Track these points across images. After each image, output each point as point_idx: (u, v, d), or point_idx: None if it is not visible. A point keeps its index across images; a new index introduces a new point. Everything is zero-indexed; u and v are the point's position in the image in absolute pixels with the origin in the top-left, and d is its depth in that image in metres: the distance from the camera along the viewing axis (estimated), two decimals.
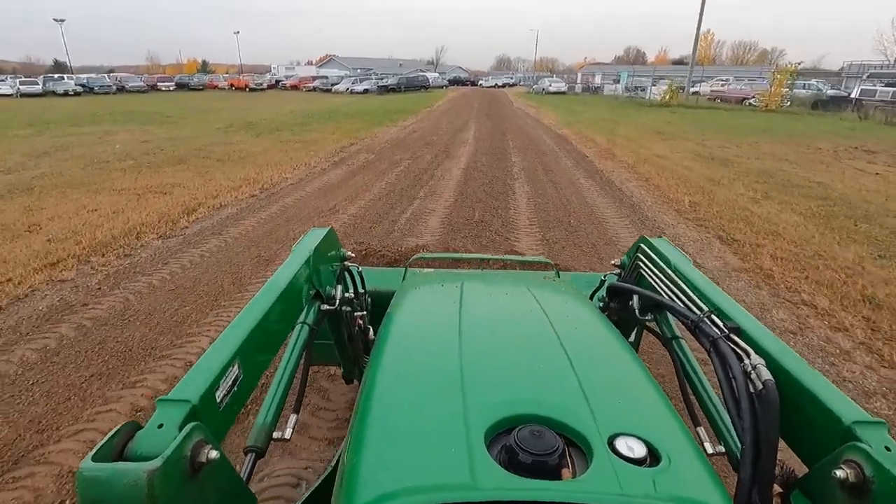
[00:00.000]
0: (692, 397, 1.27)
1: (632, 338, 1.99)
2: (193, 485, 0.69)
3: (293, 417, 1.24)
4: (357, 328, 1.89)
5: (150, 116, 19.68)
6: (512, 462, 0.69)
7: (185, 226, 5.66)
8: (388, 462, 0.72)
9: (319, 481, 1.22)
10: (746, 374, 0.88)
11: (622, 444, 0.73)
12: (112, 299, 3.85)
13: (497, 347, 1.07)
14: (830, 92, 26.46)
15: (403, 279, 1.83)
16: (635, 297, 1.50)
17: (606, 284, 1.73)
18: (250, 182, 7.73)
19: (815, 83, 29.01)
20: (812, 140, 13.40)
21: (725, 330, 1.00)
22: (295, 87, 47.87)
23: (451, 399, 0.84)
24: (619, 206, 6.72)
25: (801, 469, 0.86)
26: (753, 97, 25.82)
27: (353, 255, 1.85)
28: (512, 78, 71.82)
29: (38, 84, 38.09)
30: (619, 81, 41.02)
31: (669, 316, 1.40)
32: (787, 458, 0.87)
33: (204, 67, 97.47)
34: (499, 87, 62.44)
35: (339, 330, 1.80)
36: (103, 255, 4.70)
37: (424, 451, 0.73)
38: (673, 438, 0.78)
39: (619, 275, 1.81)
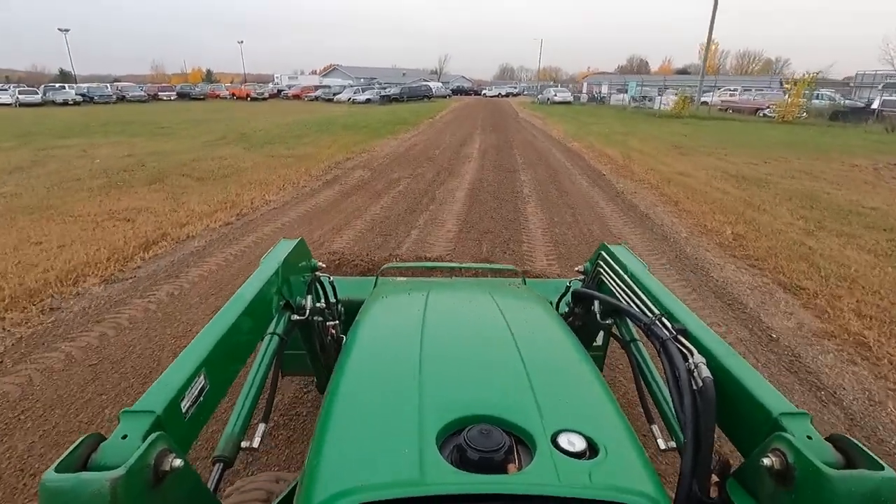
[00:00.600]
0: (648, 396, 1.33)
1: (599, 341, 2.07)
2: (157, 493, 0.70)
3: (262, 427, 1.22)
4: (329, 338, 1.87)
5: (144, 127, 19.00)
6: (462, 459, 0.74)
7: (137, 265, 4.76)
8: (344, 463, 0.76)
9: (296, 481, 1.10)
10: (690, 372, 0.94)
11: (564, 440, 0.77)
12: (9, 381, 2.93)
13: (456, 352, 1.12)
14: (847, 102, 25.54)
15: (374, 288, 1.80)
16: (596, 302, 1.53)
17: (571, 290, 1.77)
18: (228, 206, 6.84)
19: (829, 93, 28.10)
20: (845, 155, 12.44)
21: (673, 331, 1.06)
22: (297, 97, 47.39)
23: (408, 403, 0.87)
24: (649, 238, 5.78)
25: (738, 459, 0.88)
26: (768, 108, 24.86)
27: (324, 265, 1.82)
28: (516, 87, 71.30)
29: (37, 94, 37.99)
30: (625, 91, 40.37)
31: (628, 320, 1.41)
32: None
33: (209, 77, 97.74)
34: (502, 96, 61.90)
35: (311, 340, 1.78)
36: (24, 310, 3.79)
37: (379, 452, 0.77)
38: (612, 433, 0.83)
39: (583, 280, 1.84)
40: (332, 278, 1.87)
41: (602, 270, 1.63)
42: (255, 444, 1.14)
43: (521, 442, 0.79)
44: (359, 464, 0.74)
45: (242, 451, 1.09)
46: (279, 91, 51.83)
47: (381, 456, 0.75)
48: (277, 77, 75.44)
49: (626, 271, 1.48)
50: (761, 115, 25.07)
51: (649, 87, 38.95)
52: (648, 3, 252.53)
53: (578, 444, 0.76)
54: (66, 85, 46.28)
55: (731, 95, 35.65)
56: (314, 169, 9.75)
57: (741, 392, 0.91)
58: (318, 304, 1.68)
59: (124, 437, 0.72)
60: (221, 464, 1.02)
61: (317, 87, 49.24)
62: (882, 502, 0.67)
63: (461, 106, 36.57)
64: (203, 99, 47.18)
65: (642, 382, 1.36)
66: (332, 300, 1.86)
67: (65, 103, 36.98)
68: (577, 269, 1.88)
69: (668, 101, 28.18)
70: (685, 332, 1.07)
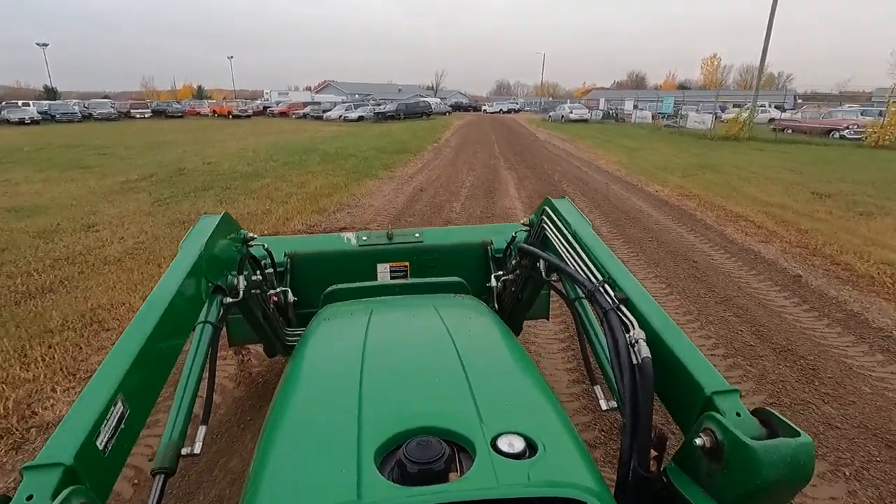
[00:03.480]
0: (591, 356, 1.38)
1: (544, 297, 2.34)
2: None
3: (202, 429, 1.16)
4: (272, 306, 1.89)
5: (82, 153, 14.87)
6: (402, 474, 0.73)
7: None
8: (282, 489, 0.75)
9: None
10: (630, 347, 0.97)
11: (504, 442, 0.78)
12: None
13: (397, 367, 1.09)
14: None
15: (318, 311, 1.73)
16: (541, 260, 1.62)
17: (516, 243, 1.93)
18: None
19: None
20: None
21: (616, 301, 1.09)
22: (283, 114, 43.16)
23: (347, 423, 0.86)
24: None
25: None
26: (847, 128, 20.59)
27: (254, 235, 1.80)
28: (517, 103, 67.64)
29: None
30: (636, 106, 37.35)
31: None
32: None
33: (200, 93, 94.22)
34: (504, 112, 58.12)
35: (252, 314, 1.77)
36: None
37: (317, 475, 0.76)
38: (551, 431, 0.84)
39: (528, 232, 1.89)
40: (266, 245, 1.87)
41: (546, 226, 1.63)
42: (197, 449, 1.09)
43: (463, 450, 0.80)
44: (297, 489, 0.74)
45: (183, 458, 1.02)
46: (265, 108, 47.59)
47: (319, 479, 0.74)
48: (268, 93, 71.56)
49: (569, 229, 1.50)
50: (836, 136, 20.78)
51: (656, 102, 35.56)
52: (641, 18, 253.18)
53: (517, 444, 0.77)
54: (30, 102, 42.46)
55: (762, 112, 32.26)
56: None
57: (678, 367, 0.94)
58: (254, 278, 1.67)
59: (29, 497, 0.65)
60: (162, 475, 0.94)
61: (305, 104, 45.13)
62: (801, 465, 0.73)
63: (465, 124, 32.33)
64: (181, 117, 42.90)
65: (586, 341, 1.39)
66: (270, 269, 1.91)
67: (21, 122, 33.46)
68: (522, 221, 1.90)
69: (703, 119, 24.68)
70: (627, 302, 1.09)
